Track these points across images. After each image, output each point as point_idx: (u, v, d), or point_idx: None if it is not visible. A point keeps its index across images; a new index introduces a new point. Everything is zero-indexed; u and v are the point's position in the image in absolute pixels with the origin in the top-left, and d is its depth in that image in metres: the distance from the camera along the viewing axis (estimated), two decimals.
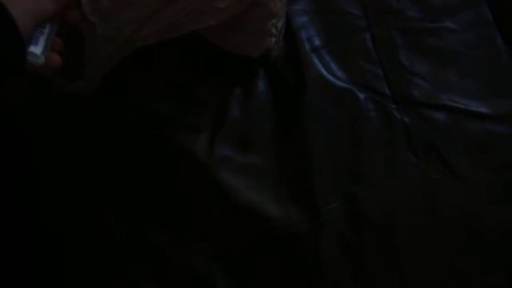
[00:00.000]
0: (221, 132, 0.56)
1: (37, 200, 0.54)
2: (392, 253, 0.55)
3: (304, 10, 0.62)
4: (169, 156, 0.55)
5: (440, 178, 0.57)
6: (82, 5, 0.47)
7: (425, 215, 0.56)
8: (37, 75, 0.50)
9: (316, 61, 0.60)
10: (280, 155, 0.56)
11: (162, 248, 0.53)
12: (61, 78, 0.56)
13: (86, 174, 0.55)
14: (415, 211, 0.56)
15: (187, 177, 0.55)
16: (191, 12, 0.49)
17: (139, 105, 0.57)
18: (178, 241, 0.53)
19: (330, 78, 0.60)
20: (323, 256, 0.55)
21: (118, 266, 0.53)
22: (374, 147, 0.58)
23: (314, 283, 0.54)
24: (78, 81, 0.54)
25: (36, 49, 0.42)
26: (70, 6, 0.44)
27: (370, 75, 0.60)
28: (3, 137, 0.55)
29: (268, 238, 0.54)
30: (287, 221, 0.54)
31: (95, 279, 0.53)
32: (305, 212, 0.55)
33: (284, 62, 0.60)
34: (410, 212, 0.56)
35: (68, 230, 0.54)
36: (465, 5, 0.64)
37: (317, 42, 0.61)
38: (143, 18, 0.48)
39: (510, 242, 0.57)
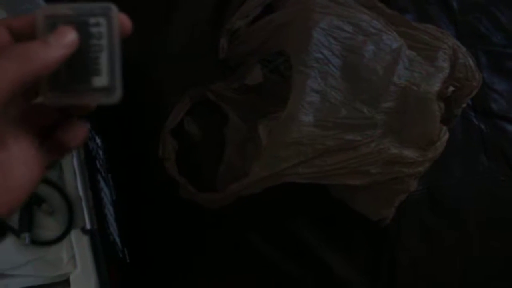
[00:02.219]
0: None
1: None
2: (462, 236, 0.69)
3: None
4: None
5: (506, 180, 0.71)
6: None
7: (489, 207, 0.70)
8: None
9: None
10: None
11: None
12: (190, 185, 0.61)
13: None
14: (482, 203, 0.71)
15: None
16: (345, 167, 0.57)
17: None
18: None
19: None
20: (404, 232, 0.69)
21: None
22: (455, 145, 0.72)
23: (395, 253, 0.69)
24: (211, 193, 0.62)
25: (101, 81, 0.31)
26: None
27: None
28: None
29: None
30: None
31: None
32: None
33: None
34: (478, 203, 0.71)
35: None
36: None
37: None
38: (305, 157, 0.57)
39: None
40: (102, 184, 0.65)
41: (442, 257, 0.69)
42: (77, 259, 0.53)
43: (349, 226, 0.68)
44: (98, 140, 0.65)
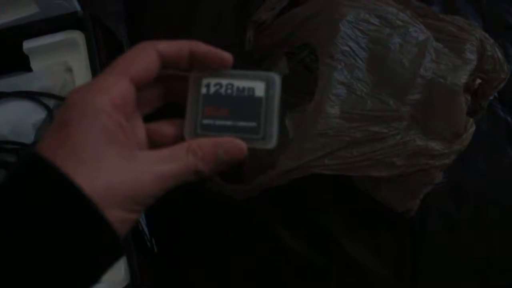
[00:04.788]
0: None
1: None
2: (485, 228, 0.69)
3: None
4: None
5: None
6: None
7: None
8: None
9: None
10: None
11: None
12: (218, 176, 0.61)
13: None
14: (507, 196, 0.70)
15: None
16: (370, 159, 0.57)
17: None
18: None
19: None
20: (428, 224, 0.69)
21: None
22: (481, 138, 0.71)
23: (419, 245, 0.69)
24: (238, 185, 0.61)
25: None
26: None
27: None
28: None
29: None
30: None
31: None
32: None
33: None
34: (501, 195, 0.70)
35: None
36: None
37: None
38: (332, 149, 0.57)
39: None
40: None
41: (465, 248, 0.69)
42: None
43: (373, 217, 0.69)
44: None
